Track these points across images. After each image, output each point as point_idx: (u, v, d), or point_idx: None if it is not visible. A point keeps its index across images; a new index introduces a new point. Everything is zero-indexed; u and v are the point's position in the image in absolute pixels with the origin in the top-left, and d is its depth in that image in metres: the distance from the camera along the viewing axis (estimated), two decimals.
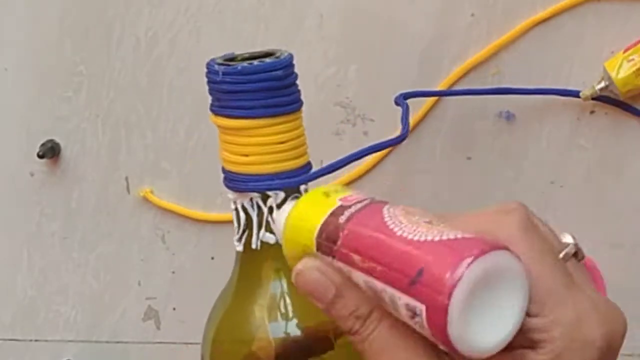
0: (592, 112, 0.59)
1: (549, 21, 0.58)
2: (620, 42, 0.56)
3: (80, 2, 0.61)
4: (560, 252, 0.34)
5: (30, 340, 0.68)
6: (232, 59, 0.40)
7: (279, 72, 0.38)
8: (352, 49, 0.60)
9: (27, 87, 0.63)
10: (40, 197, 0.65)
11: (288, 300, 0.39)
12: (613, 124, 0.57)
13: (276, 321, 0.38)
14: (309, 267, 0.34)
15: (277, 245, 0.37)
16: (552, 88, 0.58)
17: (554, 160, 0.60)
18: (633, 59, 0.56)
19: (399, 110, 0.60)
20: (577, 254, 0.34)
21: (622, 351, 0.64)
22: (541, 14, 0.58)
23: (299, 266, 0.35)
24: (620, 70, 0.56)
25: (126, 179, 0.64)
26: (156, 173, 0.64)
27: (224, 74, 0.38)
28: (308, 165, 0.40)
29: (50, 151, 0.63)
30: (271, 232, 0.39)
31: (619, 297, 0.61)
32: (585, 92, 0.57)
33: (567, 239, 0.34)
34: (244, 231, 0.40)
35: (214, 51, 0.61)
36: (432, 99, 0.59)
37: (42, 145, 0.63)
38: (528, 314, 0.32)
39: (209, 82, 0.40)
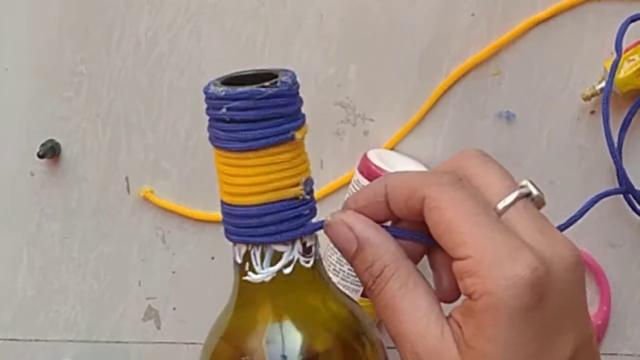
0: (592, 112, 0.59)
1: (549, 21, 0.58)
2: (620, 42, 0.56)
3: (80, 2, 0.61)
4: (505, 196, 0.34)
5: (30, 340, 0.68)
6: (229, 82, 0.36)
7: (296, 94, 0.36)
8: (352, 49, 0.60)
9: (27, 87, 0.63)
10: (40, 197, 0.65)
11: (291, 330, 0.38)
12: (613, 124, 0.57)
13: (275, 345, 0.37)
14: (337, 220, 0.36)
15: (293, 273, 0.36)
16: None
17: (554, 160, 0.60)
18: (633, 59, 0.56)
19: (398, 110, 0.60)
20: (529, 196, 0.35)
21: (622, 351, 0.65)
22: (541, 14, 0.58)
23: (329, 218, 0.36)
24: (620, 70, 0.56)
25: (126, 179, 0.64)
26: (156, 173, 0.64)
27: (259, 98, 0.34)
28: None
29: (50, 151, 0.63)
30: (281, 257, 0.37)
31: (618, 297, 0.61)
32: (585, 92, 0.57)
33: (523, 183, 0.35)
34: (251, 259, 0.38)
35: (214, 51, 0.61)
36: (431, 99, 0.59)
37: (42, 145, 0.63)
38: (457, 258, 0.33)
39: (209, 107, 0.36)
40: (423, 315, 0.34)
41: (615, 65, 0.55)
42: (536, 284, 0.32)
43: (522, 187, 0.35)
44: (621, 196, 0.58)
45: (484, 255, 0.32)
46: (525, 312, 0.32)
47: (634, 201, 0.57)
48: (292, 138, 0.35)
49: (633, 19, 0.55)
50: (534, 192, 0.35)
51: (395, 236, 0.36)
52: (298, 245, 0.36)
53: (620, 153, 0.57)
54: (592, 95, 0.57)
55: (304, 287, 0.37)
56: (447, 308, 0.35)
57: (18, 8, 0.62)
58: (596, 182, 0.59)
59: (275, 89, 0.34)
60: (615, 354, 0.62)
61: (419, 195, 0.34)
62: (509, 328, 0.32)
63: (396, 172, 0.37)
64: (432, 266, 0.37)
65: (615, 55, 0.56)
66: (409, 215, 0.35)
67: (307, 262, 0.36)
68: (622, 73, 0.56)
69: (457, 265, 0.33)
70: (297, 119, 0.35)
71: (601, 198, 0.54)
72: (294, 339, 0.36)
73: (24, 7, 0.62)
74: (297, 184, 0.35)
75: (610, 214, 0.59)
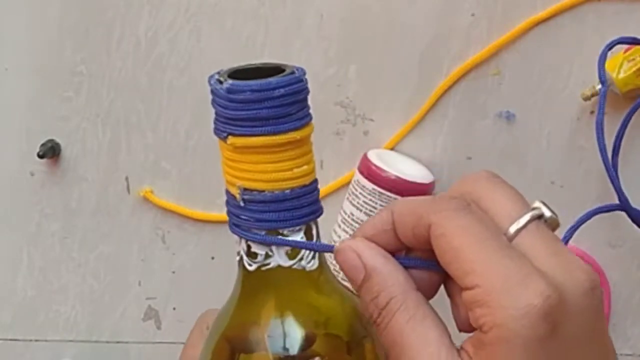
0: (592, 112, 0.59)
1: (549, 21, 0.58)
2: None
3: (80, 2, 0.61)
4: (516, 218, 0.33)
5: (30, 340, 0.68)
6: (231, 75, 0.36)
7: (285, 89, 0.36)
8: (352, 49, 0.60)
9: (27, 87, 0.63)
10: (40, 197, 0.65)
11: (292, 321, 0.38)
12: (613, 124, 0.57)
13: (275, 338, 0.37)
14: (347, 247, 0.34)
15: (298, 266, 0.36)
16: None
17: (554, 160, 0.60)
18: (633, 59, 0.56)
19: (398, 110, 0.60)
20: (542, 217, 0.33)
21: (622, 351, 0.64)
22: (541, 14, 0.58)
23: (340, 244, 0.35)
24: (620, 70, 0.56)
25: (126, 179, 0.64)
26: (156, 173, 0.64)
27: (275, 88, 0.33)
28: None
29: (50, 151, 0.63)
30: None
31: (618, 297, 0.61)
32: (585, 92, 0.57)
33: (535, 205, 0.33)
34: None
35: (214, 51, 0.61)
36: (431, 99, 0.59)
37: (42, 145, 0.63)
38: (465, 288, 0.31)
39: (238, 102, 0.35)
40: (433, 350, 0.32)
41: (603, 97, 0.55)
42: (549, 312, 0.30)
43: (534, 208, 0.33)
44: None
45: (493, 284, 0.31)
46: (539, 342, 0.30)
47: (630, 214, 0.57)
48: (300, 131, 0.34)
49: (610, 46, 0.55)
50: (547, 213, 0.33)
51: (407, 266, 0.34)
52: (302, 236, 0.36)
53: (618, 154, 0.57)
54: (592, 95, 0.57)
55: (307, 282, 0.37)
56: (459, 338, 0.35)
57: (18, 8, 0.62)
58: (596, 182, 0.59)
59: (293, 77, 0.34)
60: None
61: (425, 223, 0.33)
62: None
63: (403, 199, 0.36)
64: (449, 295, 0.35)
65: (615, 55, 0.56)
66: (417, 244, 0.34)
67: (312, 257, 0.36)
68: (622, 73, 0.56)
69: (466, 295, 0.32)
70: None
71: (595, 214, 0.54)
72: (295, 333, 0.36)
73: (24, 7, 0.62)
74: (310, 172, 0.35)
75: (611, 214, 0.59)
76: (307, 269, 0.36)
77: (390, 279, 0.33)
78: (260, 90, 0.34)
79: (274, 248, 0.35)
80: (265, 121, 0.34)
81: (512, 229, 0.32)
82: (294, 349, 0.35)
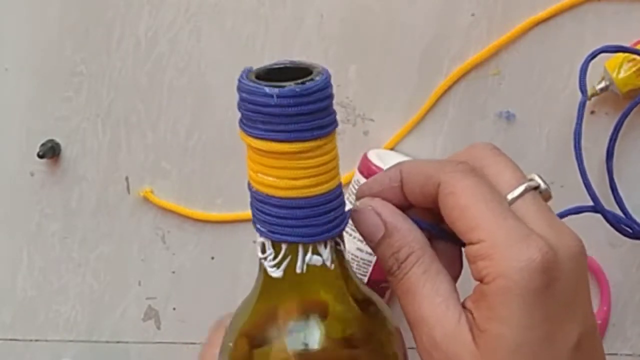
0: (592, 112, 0.59)
1: (549, 21, 0.58)
2: (620, 42, 0.56)
3: (80, 2, 0.61)
4: (514, 187, 0.36)
5: (30, 340, 0.68)
6: (260, 75, 0.36)
7: (329, 90, 0.37)
8: (352, 49, 0.60)
9: (27, 87, 0.63)
10: (40, 197, 0.65)
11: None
12: (613, 124, 0.57)
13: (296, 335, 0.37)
14: (366, 207, 0.37)
15: (323, 267, 0.36)
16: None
17: (554, 160, 0.60)
18: (634, 59, 0.56)
19: (398, 110, 0.60)
20: (537, 189, 0.36)
21: (622, 351, 0.65)
22: (541, 14, 0.58)
23: (357, 203, 0.37)
24: (620, 70, 0.56)
25: (126, 179, 0.64)
26: (156, 173, 0.64)
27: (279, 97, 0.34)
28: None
29: (50, 151, 0.63)
30: (318, 254, 0.36)
31: (619, 297, 0.61)
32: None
33: (531, 176, 0.37)
34: (285, 256, 0.36)
35: (214, 51, 0.61)
36: (431, 99, 0.59)
37: (42, 145, 0.63)
38: (470, 242, 0.34)
39: (254, 105, 0.34)
40: (442, 301, 0.35)
41: (582, 107, 0.55)
42: (547, 267, 0.33)
43: (530, 180, 0.36)
44: (621, 196, 0.58)
45: (497, 239, 0.33)
46: (537, 294, 0.33)
47: (607, 216, 0.57)
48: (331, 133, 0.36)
49: (593, 56, 0.55)
50: (542, 185, 0.36)
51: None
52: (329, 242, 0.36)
53: (612, 157, 0.57)
54: (592, 95, 0.57)
55: (327, 279, 0.37)
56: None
57: (18, 8, 0.62)
58: (596, 182, 0.59)
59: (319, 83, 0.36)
60: (615, 354, 0.62)
61: (434, 182, 0.36)
62: (520, 309, 0.33)
63: (411, 160, 0.39)
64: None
65: (615, 55, 0.56)
66: (423, 201, 0.37)
67: (333, 254, 0.36)
68: (622, 73, 0.56)
69: (470, 250, 0.34)
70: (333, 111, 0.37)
71: (570, 214, 0.55)
72: (315, 330, 0.36)
73: (24, 7, 0.62)
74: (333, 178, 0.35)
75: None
76: (328, 266, 0.36)
77: (409, 235, 0.36)
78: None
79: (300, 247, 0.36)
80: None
81: (510, 196, 0.36)
82: (314, 346, 0.36)
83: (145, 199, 0.64)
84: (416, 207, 0.38)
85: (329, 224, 0.35)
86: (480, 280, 0.34)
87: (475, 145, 0.38)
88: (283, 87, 0.34)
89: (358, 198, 0.38)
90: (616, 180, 0.58)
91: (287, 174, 0.34)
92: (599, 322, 0.61)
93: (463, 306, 0.35)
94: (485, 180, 0.35)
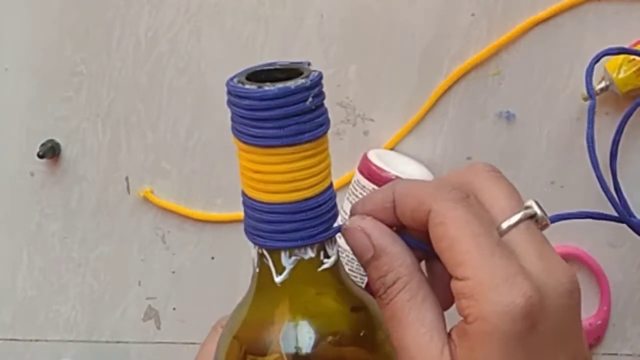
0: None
1: (549, 21, 0.58)
2: (620, 42, 0.56)
3: (80, 2, 0.61)
4: (510, 215, 0.35)
5: (30, 340, 0.68)
6: (250, 77, 0.35)
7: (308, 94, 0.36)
8: (352, 49, 0.60)
9: (27, 87, 0.63)
10: (40, 197, 0.65)
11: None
12: (613, 124, 0.57)
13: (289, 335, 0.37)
14: (355, 226, 0.36)
15: (315, 270, 0.36)
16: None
17: (554, 160, 0.60)
18: (634, 59, 0.56)
19: (398, 110, 0.60)
20: (534, 217, 0.35)
21: (622, 351, 0.64)
22: (541, 14, 0.58)
23: (348, 223, 0.36)
24: (620, 70, 0.56)
25: (126, 179, 0.64)
26: (156, 173, 0.64)
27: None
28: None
29: (50, 151, 0.63)
30: (310, 257, 0.36)
31: (619, 297, 0.61)
32: (585, 92, 0.57)
33: (528, 203, 0.35)
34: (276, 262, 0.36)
35: (214, 51, 0.61)
36: (431, 99, 0.59)
37: (42, 145, 0.63)
38: (455, 278, 0.33)
39: (234, 106, 0.34)
40: (427, 331, 0.34)
41: (592, 111, 0.54)
42: (529, 311, 0.32)
43: (527, 207, 0.35)
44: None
45: (482, 279, 0.33)
46: (518, 338, 0.32)
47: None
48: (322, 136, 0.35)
49: (597, 59, 0.55)
50: (539, 213, 0.35)
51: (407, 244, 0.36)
52: (318, 246, 0.36)
53: (615, 159, 0.57)
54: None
55: (322, 284, 0.37)
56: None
57: (18, 8, 0.62)
58: (596, 183, 0.59)
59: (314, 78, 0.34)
60: (615, 354, 0.62)
61: (425, 208, 0.35)
62: (500, 352, 0.32)
63: (405, 180, 0.38)
64: (429, 274, 0.38)
65: (615, 55, 0.56)
66: (413, 225, 0.36)
67: (327, 261, 0.36)
68: (622, 73, 0.56)
69: (455, 285, 0.34)
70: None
71: (570, 218, 0.55)
72: (309, 333, 0.36)
73: (24, 7, 0.62)
74: (322, 182, 0.35)
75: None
76: (321, 269, 0.36)
77: (398, 259, 0.35)
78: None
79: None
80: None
81: (505, 225, 0.34)
82: (308, 349, 0.36)
83: (145, 199, 0.64)
84: (409, 228, 0.37)
85: (318, 227, 0.35)
86: (464, 318, 0.33)
87: (473, 166, 0.37)
88: (261, 87, 0.33)
89: (351, 215, 0.37)
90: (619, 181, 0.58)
91: (264, 177, 0.34)
92: (599, 322, 0.61)
93: (449, 335, 0.34)
94: (477, 210, 0.34)
